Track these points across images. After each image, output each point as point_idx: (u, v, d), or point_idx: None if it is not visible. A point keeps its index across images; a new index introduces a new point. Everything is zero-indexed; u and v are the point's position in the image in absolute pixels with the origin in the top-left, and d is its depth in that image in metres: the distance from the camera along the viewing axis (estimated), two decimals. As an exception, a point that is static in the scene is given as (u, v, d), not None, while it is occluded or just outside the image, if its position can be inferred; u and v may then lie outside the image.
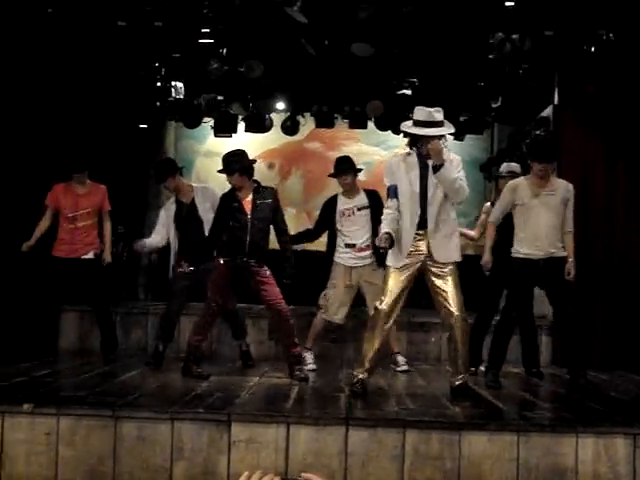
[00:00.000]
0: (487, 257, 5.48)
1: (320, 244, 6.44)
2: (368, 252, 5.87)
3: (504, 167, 6.12)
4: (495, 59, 6.63)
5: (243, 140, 9.15)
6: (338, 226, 5.99)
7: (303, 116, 9.47)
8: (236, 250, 5.30)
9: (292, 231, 6.01)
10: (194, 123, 9.26)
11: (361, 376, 4.80)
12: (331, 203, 6.08)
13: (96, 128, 7.34)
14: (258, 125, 9.34)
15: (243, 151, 5.47)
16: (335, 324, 6.09)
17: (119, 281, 7.38)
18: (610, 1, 6.00)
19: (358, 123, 9.30)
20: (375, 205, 5.77)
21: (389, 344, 5.66)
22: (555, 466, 3.96)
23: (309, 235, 6.32)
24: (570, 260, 5.22)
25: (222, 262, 5.35)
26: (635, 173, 6.44)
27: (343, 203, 6.01)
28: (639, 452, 3.98)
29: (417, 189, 4.69)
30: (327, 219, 6.07)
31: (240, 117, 9.32)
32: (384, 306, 4.70)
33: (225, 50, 7.23)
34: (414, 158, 4.75)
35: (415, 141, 4.72)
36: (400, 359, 6.07)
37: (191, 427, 4.02)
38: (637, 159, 6.42)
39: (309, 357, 5.96)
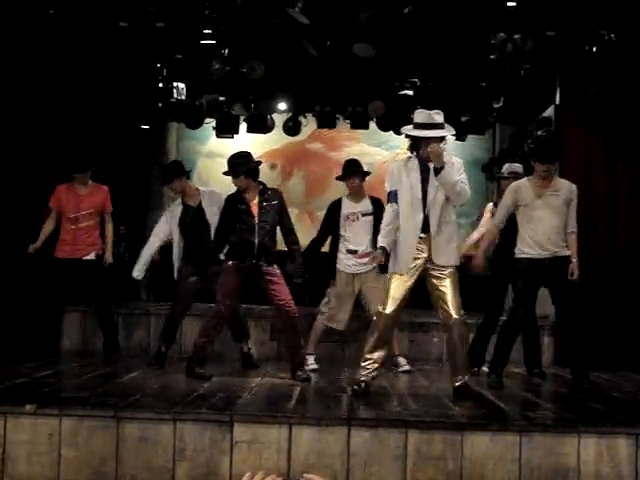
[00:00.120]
0: (479, 261, 5.42)
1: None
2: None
3: (506, 168, 6.08)
4: (497, 59, 6.64)
5: (245, 141, 9.16)
6: (341, 231, 5.96)
7: (305, 117, 9.48)
8: (245, 253, 5.27)
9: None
10: (196, 124, 9.26)
11: (363, 377, 4.79)
12: (336, 207, 6.03)
13: (98, 129, 7.35)
14: (260, 126, 9.33)
15: (248, 153, 5.45)
16: (336, 330, 6.09)
17: (121, 282, 7.37)
18: (611, 1, 6.00)
19: (360, 123, 9.30)
20: (378, 213, 5.66)
21: (390, 347, 5.65)
22: (557, 466, 3.95)
23: (315, 244, 6.18)
24: (574, 260, 5.21)
25: (231, 264, 5.31)
26: (637, 173, 6.44)
27: (348, 207, 5.98)
28: (641, 452, 3.98)
29: (419, 192, 4.69)
30: (332, 223, 6.02)
31: (242, 118, 9.32)
32: (388, 311, 4.71)
33: (227, 51, 7.24)
34: (415, 162, 4.75)
35: (416, 145, 4.72)
36: (401, 360, 6.06)
37: (193, 428, 4.01)
38: (639, 159, 6.42)
39: (311, 358, 5.94)
